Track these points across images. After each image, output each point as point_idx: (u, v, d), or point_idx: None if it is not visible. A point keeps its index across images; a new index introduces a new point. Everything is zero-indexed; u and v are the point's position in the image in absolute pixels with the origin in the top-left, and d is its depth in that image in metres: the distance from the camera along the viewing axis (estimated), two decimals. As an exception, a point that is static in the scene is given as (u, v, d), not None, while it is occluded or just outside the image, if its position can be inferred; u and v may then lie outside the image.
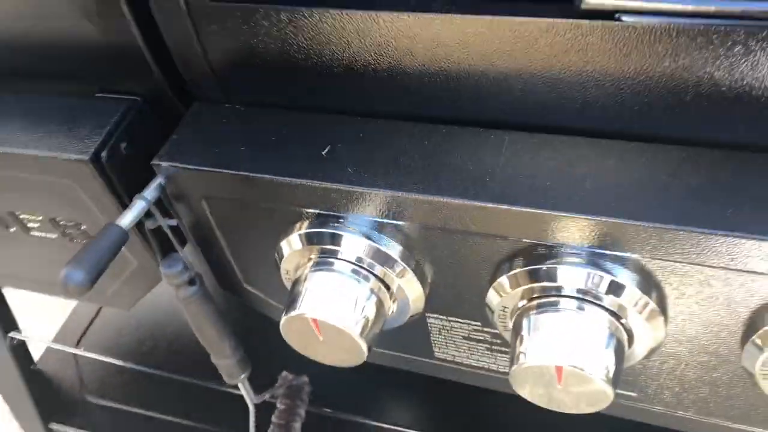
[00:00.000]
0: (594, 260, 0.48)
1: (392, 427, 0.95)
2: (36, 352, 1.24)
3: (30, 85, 0.64)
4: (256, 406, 0.80)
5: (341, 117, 0.56)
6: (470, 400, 1.01)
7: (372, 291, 0.55)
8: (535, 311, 0.51)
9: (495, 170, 0.50)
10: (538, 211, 0.47)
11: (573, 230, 0.48)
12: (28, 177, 0.62)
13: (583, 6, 0.45)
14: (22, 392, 1.21)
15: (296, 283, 0.56)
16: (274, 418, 0.90)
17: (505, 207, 0.48)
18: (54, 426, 1.25)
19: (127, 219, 0.55)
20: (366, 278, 0.55)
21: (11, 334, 1.09)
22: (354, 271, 0.55)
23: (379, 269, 0.54)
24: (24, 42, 0.61)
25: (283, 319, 0.55)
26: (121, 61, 0.59)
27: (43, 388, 1.26)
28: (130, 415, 1.22)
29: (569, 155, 0.50)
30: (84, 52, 0.60)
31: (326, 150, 0.54)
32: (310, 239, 0.55)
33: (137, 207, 0.56)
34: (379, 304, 0.55)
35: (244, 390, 0.76)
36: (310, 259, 0.56)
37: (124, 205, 0.59)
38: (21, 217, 0.69)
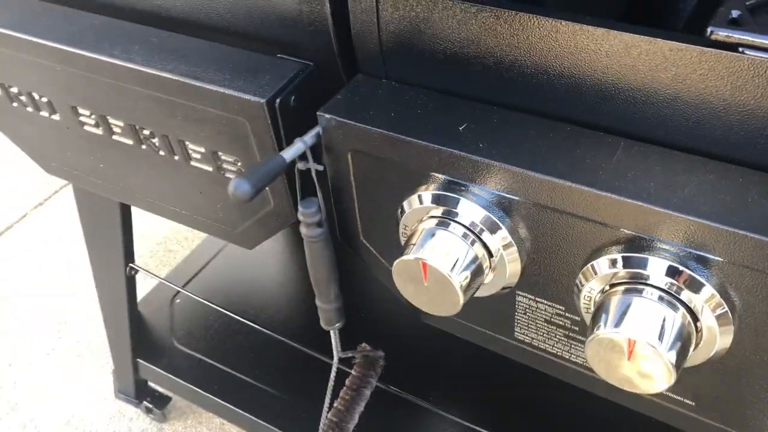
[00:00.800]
0: (680, 257, 0.55)
1: (448, 415, 1.02)
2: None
3: (226, 38, 0.77)
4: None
5: (481, 105, 0.66)
6: (535, 408, 1.06)
7: (477, 254, 0.63)
8: (618, 294, 0.58)
9: (608, 166, 0.58)
10: (640, 204, 0.55)
11: (666, 226, 0.55)
12: (208, 110, 0.74)
13: (713, 37, 0.53)
14: (122, 323, 1.34)
15: (413, 235, 0.65)
16: (347, 381, 0.98)
17: (611, 196, 0.56)
18: (141, 361, 1.37)
19: (287, 153, 0.66)
20: (473, 242, 0.63)
21: (131, 265, 1.22)
22: (465, 234, 0.63)
23: (487, 236, 0.63)
24: (236, 3, 0.75)
25: (398, 261, 0.64)
26: (307, 31, 0.72)
27: (139, 325, 1.39)
28: (210, 367, 1.33)
29: (674, 165, 0.57)
30: (277, 20, 0.73)
31: (463, 127, 0.63)
32: (433, 200, 0.64)
33: (297, 146, 0.67)
34: (480, 267, 0.64)
35: (334, 339, 0.85)
36: (428, 217, 0.65)
37: (280, 150, 0.70)
38: (189, 146, 0.81)
